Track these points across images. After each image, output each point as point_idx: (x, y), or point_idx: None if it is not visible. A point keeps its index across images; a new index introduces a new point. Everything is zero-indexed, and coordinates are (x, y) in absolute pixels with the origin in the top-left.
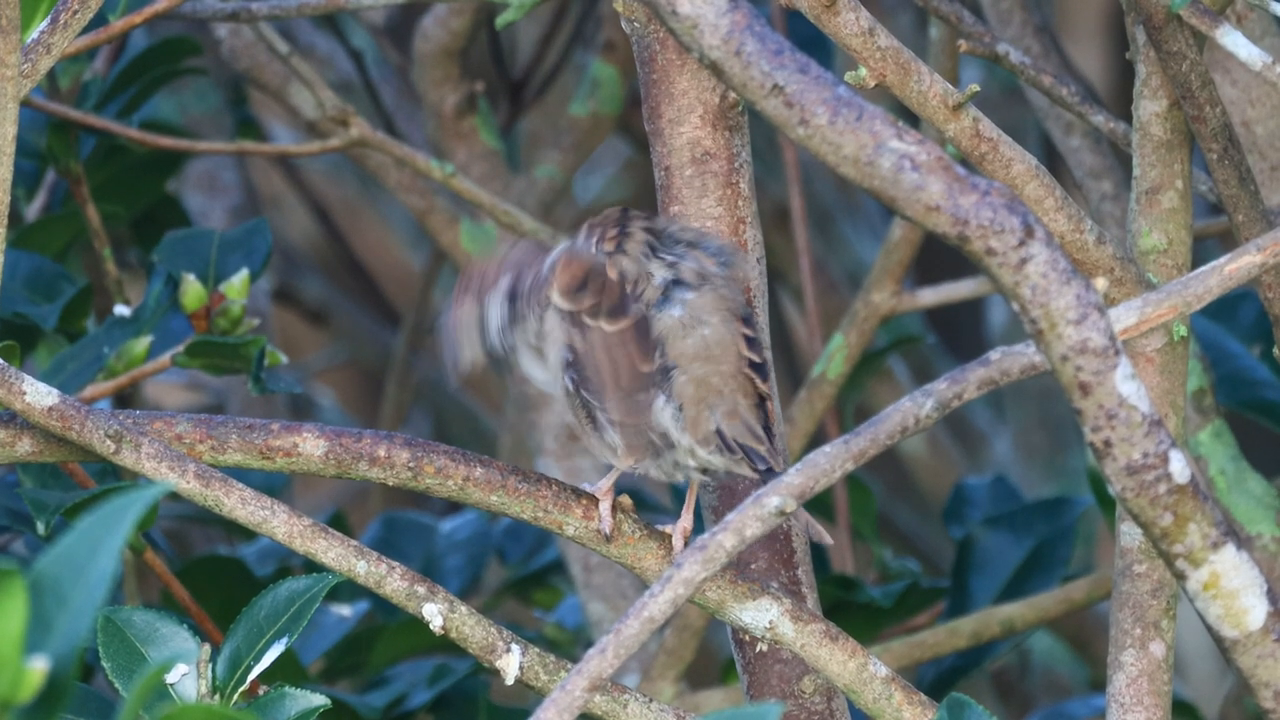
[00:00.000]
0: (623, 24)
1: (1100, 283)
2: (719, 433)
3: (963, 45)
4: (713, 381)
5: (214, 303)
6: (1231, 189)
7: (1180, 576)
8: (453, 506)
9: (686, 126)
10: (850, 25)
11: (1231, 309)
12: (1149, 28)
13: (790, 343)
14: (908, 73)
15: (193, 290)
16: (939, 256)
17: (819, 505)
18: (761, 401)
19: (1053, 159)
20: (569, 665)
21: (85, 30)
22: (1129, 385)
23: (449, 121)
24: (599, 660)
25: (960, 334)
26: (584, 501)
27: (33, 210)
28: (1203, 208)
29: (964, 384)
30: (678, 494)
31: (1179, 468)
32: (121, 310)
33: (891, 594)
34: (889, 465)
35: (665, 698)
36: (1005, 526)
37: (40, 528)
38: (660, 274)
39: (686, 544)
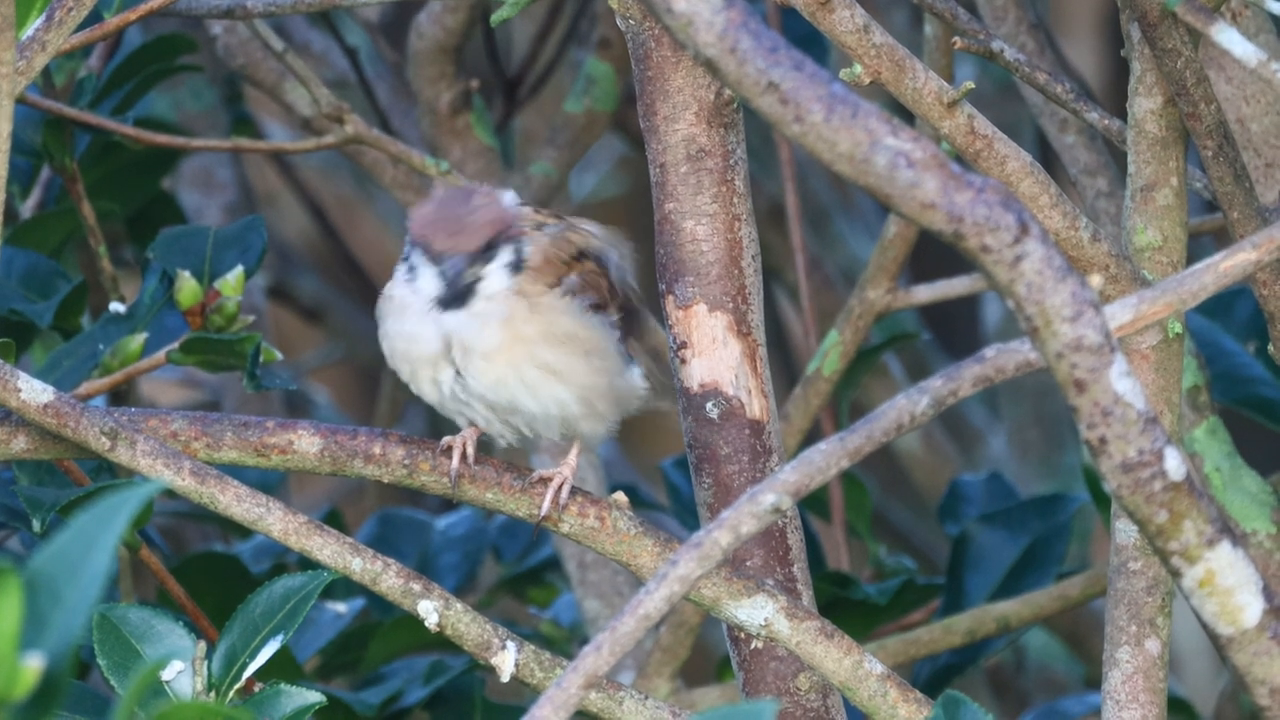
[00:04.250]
0: (618, 21)
1: (1095, 280)
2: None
3: (957, 42)
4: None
5: (209, 300)
6: (1226, 186)
7: (1176, 574)
8: (448, 504)
9: (681, 124)
10: (845, 22)
11: (1227, 306)
12: (1144, 25)
13: (786, 340)
14: (903, 70)
15: (188, 287)
16: (934, 253)
17: (815, 502)
18: None
19: (1047, 156)
20: (564, 662)
21: (80, 27)
22: (1124, 382)
23: (444, 118)
24: (595, 658)
25: (955, 331)
26: (579, 499)
27: (28, 207)
28: (1198, 205)
29: (959, 381)
30: (674, 492)
31: (1174, 465)
32: (116, 307)
33: (887, 591)
34: (884, 462)
35: (661, 695)
36: (1000, 523)
37: (36, 525)
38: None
39: (559, 492)
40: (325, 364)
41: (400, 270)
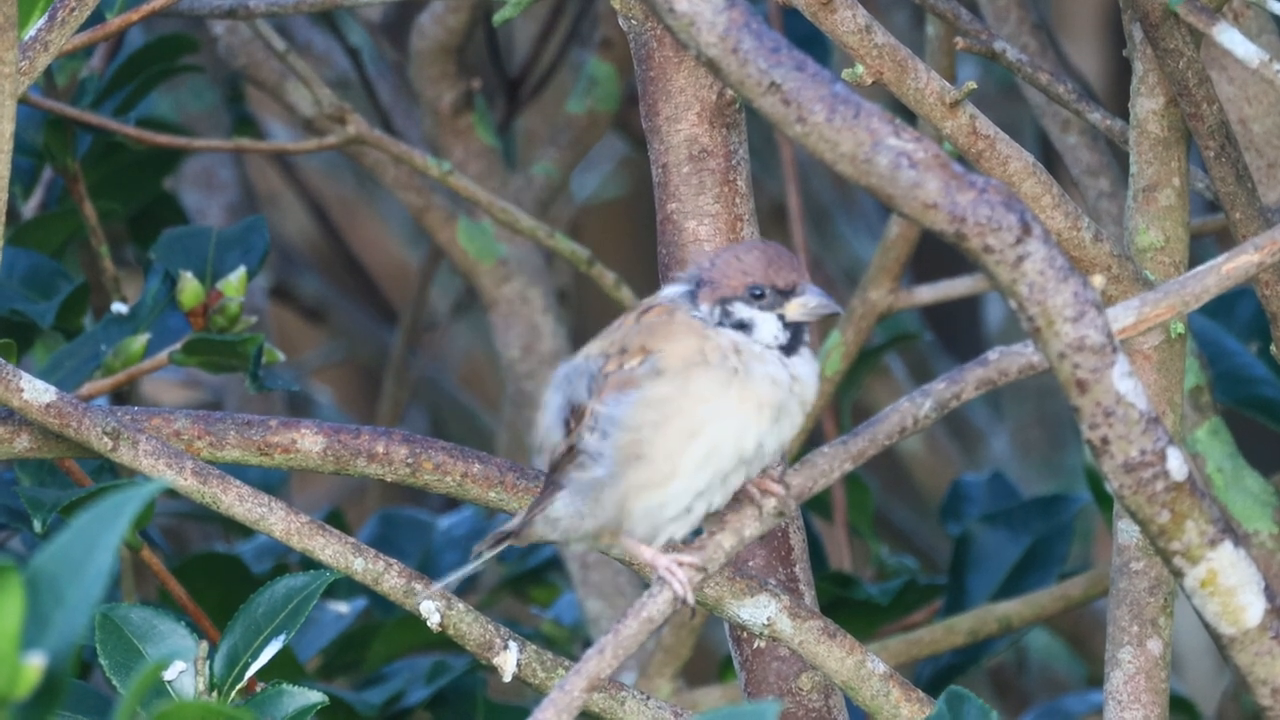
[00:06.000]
0: (620, 21)
1: (1097, 280)
2: None
3: (960, 43)
4: None
5: (211, 300)
6: (1228, 186)
7: (1178, 574)
8: (450, 503)
9: (684, 124)
10: (847, 22)
11: (1229, 306)
12: (1146, 25)
13: None
14: (905, 70)
15: (190, 288)
16: (936, 254)
17: (817, 502)
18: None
19: (1050, 156)
20: (566, 663)
21: (82, 27)
22: (1126, 383)
23: (446, 119)
24: (597, 660)
25: (957, 331)
26: None
27: (30, 208)
28: (1200, 205)
29: (962, 384)
30: None
31: (1176, 465)
32: (119, 308)
33: (889, 591)
34: (886, 463)
35: (663, 695)
36: (1002, 524)
37: (37, 525)
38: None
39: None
40: (327, 364)
41: (705, 314)
